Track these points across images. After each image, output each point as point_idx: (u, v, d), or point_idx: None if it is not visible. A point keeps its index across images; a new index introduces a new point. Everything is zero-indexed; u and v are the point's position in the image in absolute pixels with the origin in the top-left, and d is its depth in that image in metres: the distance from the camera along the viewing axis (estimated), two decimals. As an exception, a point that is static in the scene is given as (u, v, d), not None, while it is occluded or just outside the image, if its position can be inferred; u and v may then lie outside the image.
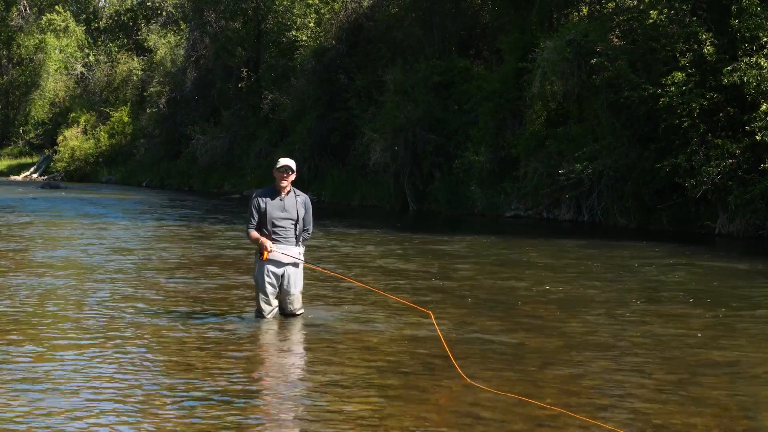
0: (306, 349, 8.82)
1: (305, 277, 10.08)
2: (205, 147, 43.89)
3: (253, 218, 9.66)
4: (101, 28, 67.04)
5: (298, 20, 41.67)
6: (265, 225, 9.62)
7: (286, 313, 9.79)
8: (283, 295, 9.74)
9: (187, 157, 46.41)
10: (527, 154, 26.86)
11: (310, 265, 10.64)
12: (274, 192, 9.71)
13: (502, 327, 9.84)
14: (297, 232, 9.70)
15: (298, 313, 9.83)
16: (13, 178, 55.75)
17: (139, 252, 16.64)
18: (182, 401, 6.73)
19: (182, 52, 50.43)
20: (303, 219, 9.73)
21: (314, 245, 16.61)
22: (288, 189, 9.70)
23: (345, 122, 36.12)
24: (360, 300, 11.44)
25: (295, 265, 9.71)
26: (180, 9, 52.19)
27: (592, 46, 24.81)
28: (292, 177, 9.70)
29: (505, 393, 6.98)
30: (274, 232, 9.61)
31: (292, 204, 9.67)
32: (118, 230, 21.25)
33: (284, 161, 9.71)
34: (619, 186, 23.96)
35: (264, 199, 9.67)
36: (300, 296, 9.85)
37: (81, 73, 64.27)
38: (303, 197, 9.82)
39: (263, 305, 9.70)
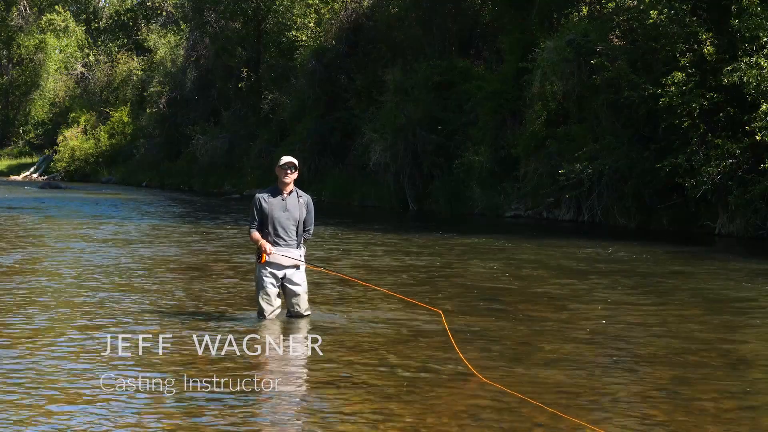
0: (306, 348, 8.81)
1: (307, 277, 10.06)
2: (205, 147, 43.88)
3: (255, 218, 9.65)
4: (101, 28, 67.01)
5: (298, 20, 41.68)
6: (266, 225, 9.60)
7: (292, 315, 9.77)
8: (288, 296, 9.72)
9: (187, 157, 46.41)
10: (527, 154, 26.85)
11: (312, 267, 10.64)
12: (277, 191, 9.69)
13: (503, 327, 9.84)
14: (299, 233, 9.68)
15: (305, 314, 9.79)
16: (13, 178, 55.72)
17: (137, 251, 16.63)
18: (182, 401, 6.73)
19: (182, 52, 50.42)
20: (305, 220, 9.71)
21: (315, 245, 16.60)
22: (290, 188, 9.69)
23: (345, 122, 36.13)
24: (361, 300, 11.44)
25: (296, 266, 9.68)
26: (180, 9, 52.17)
27: (592, 46, 24.80)
28: (295, 175, 9.68)
29: (512, 391, 6.98)
30: (277, 233, 9.58)
31: (294, 204, 9.65)
32: (118, 229, 21.24)
33: (287, 158, 9.70)
34: (619, 186, 23.95)
35: (266, 198, 9.65)
36: (306, 297, 9.81)
37: (81, 73, 64.26)
38: (305, 198, 9.80)
39: (264, 305, 9.69)
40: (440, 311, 8.93)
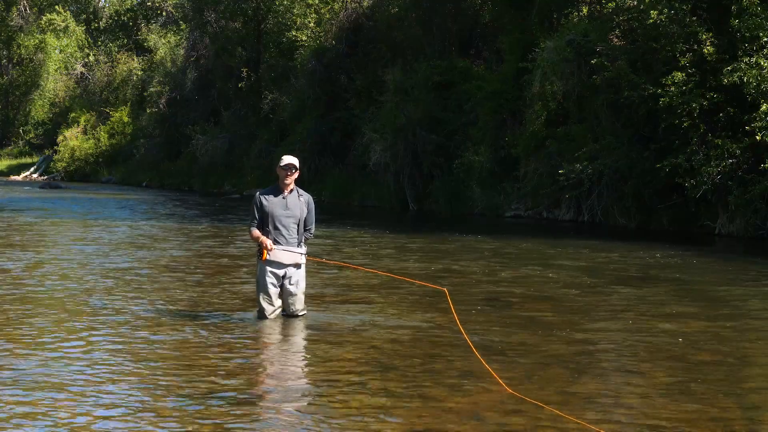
0: (307, 349, 8.82)
1: (306, 276, 10.05)
2: (205, 147, 43.91)
3: (256, 217, 9.66)
4: (101, 28, 67.05)
5: (298, 20, 41.71)
6: (267, 224, 9.60)
7: (288, 314, 9.77)
8: (285, 295, 9.72)
9: (187, 157, 46.43)
10: (527, 154, 26.86)
11: (314, 258, 10.63)
12: (277, 190, 9.70)
13: (503, 326, 9.84)
14: (299, 232, 9.69)
15: (300, 314, 9.80)
16: (13, 178, 55.75)
17: (140, 252, 16.63)
18: (182, 401, 6.73)
19: (182, 52, 50.45)
20: (305, 219, 9.72)
21: (316, 245, 16.60)
22: (291, 187, 9.70)
23: (345, 122, 36.15)
24: (361, 300, 11.44)
25: (297, 266, 9.68)
26: (180, 9, 52.21)
27: (592, 46, 24.82)
28: (296, 175, 9.70)
29: (516, 393, 6.99)
30: (277, 232, 9.58)
31: (295, 203, 9.66)
32: (118, 229, 21.25)
33: (288, 159, 9.70)
34: (619, 186, 23.96)
35: (266, 197, 9.66)
36: (303, 297, 9.82)
37: (81, 73, 64.29)
38: (306, 197, 9.81)
39: (265, 305, 9.69)
40: (444, 289, 8.94)
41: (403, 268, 14.83)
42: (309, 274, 11.05)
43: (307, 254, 9.90)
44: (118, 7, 65.96)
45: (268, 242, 9.52)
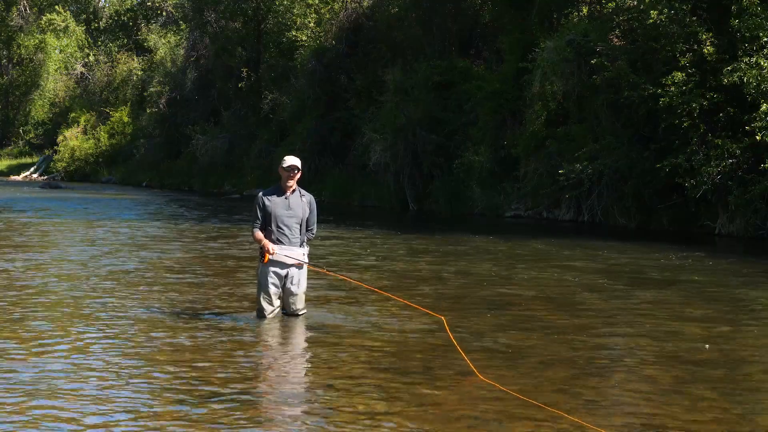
0: (307, 349, 8.83)
1: (308, 277, 10.06)
2: (205, 147, 43.92)
3: (258, 218, 9.67)
4: (101, 28, 67.05)
5: (298, 20, 41.72)
6: (270, 224, 9.62)
7: (288, 313, 9.79)
8: (286, 294, 9.74)
9: (187, 157, 46.44)
10: (527, 154, 26.87)
11: (315, 268, 10.63)
12: (279, 191, 9.71)
13: (504, 327, 9.85)
14: (302, 232, 9.70)
15: (300, 313, 9.83)
16: (13, 178, 55.74)
17: (139, 252, 16.64)
18: (182, 401, 6.74)
19: (182, 52, 50.45)
20: (307, 219, 9.73)
21: (317, 245, 16.59)
22: (293, 188, 9.71)
23: (345, 122, 36.15)
24: (362, 300, 11.44)
25: (299, 266, 9.69)
26: (180, 9, 52.20)
27: (592, 46, 24.83)
28: (298, 176, 9.72)
29: (512, 392, 7.00)
30: (280, 232, 9.60)
31: (297, 203, 9.67)
32: (119, 230, 21.25)
33: (290, 160, 9.71)
34: (619, 186, 23.98)
35: (269, 198, 9.68)
36: (303, 296, 9.84)
37: (81, 73, 64.28)
38: (308, 197, 9.82)
39: (265, 305, 9.70)
40: (442, 317, 8.87)
41: (415, 269, 14.85)
42: (313, 275, 11.07)
43: (309, 258, 9.89)
44: (118, 7, 65.96)
45: (270, 245, 9.53)
